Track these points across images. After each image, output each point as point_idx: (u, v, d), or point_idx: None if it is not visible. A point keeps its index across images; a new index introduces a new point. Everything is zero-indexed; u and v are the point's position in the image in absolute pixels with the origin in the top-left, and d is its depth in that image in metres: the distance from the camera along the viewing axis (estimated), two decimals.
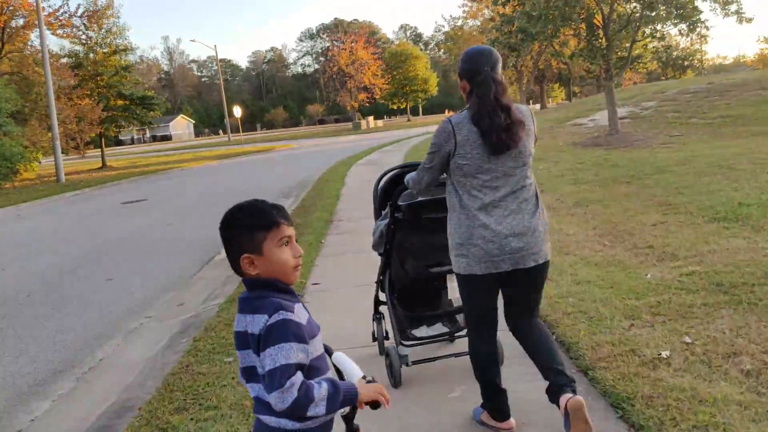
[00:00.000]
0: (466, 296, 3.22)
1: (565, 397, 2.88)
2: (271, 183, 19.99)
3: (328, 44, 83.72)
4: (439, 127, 3.11)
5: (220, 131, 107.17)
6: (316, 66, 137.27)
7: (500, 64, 3.11)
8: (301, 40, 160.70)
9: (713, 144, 14.56)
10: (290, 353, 1.71)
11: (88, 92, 35.70)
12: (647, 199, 8.71)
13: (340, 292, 6.34)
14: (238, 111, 53.60)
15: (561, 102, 66.43)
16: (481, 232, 2.98)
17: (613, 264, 5.79)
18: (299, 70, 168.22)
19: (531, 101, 56.51)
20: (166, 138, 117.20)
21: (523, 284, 3.13)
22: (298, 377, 1.72)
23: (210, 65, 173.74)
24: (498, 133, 2.92)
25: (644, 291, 4.90)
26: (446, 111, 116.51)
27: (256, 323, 1.77)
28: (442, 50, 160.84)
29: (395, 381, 3.87)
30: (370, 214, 4.61)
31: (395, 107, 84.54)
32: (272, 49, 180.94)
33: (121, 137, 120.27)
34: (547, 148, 17.38)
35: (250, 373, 1.84)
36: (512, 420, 3.23)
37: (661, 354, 3.75)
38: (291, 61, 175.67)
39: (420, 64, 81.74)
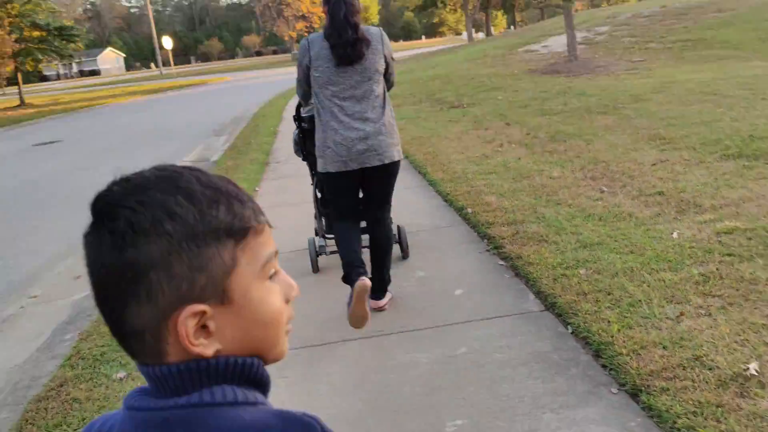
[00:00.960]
0: (328, 192, 3.94)
1: (360, 280, 3.40)
2: (203, 119, 18.22)
3: None
4: (299, 44, 3.67)
5: (152, 64, 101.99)
6: None
7: None
8: None
9: (682, 69, 13.51)
10: None
11: None
12: (633, 132, 7.55)
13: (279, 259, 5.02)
14: (168, 42, 50.39)
15: (504, 30, 64.85)
16: (333, 136, 3.50)
17: (621, 218, 4.59)
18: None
19: (475, 29, 54.81)
20: (95, 73, 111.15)
21: (371, 181, 3.66)
22: None
23: None
24: (345, 47, 3.40)
25: (678, 258, 3.72)
26: None
27: None
28: None
29: (312, 267, 4.59)
30: None
31: None
32: None
33: (45, 72, 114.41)
34: (502, 76, 16.10)
35: None
36: (366, 279, 3.47)
37: (747, 368, 2.57)
38: None
39: None
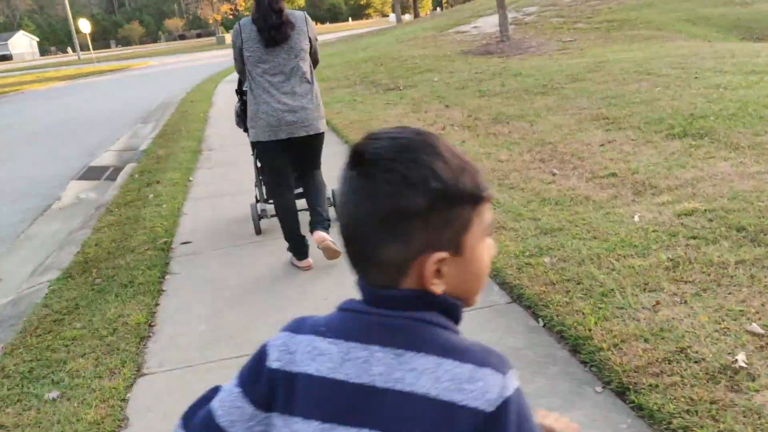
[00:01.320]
0: (262, 159, 4.34)
1: (317, 235, 3.98)
2: (128, 106, 17.44)
3: None
4: (233, 28, 4.12)
5: (69, 49, 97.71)
6: None
7: None
8: None
9: (611, 49, 13.66)
10: None
11: None
12: (575, 112, 7.50)
13: (218, 253, 4.71)
14: (86, 25, 48.14)
15: (430, 12, 64.88)
16: (264, 108, 3.87)
17: (578, 201, 4.48)
18: None
19: (402, 11, 54.69)
20: (6, 58, 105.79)
21: (299, 149, 4.04)
22: None
23: None
24: (270, 30, 3.77)
25: (644, 243, 3.61)
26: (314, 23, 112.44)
27: (481, 390, 0.81)
28: None
29: (255, 229, 4.96)
30: (244, 140, 5.03)
31: None
32: None
33: None
34: (434, 57, 15.96)
35: None
36: (310, 259, 4.15)
37: (735, 360, 2.45)
38: None
39: None
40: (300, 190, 4.37)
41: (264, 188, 5.01)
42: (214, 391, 0.97)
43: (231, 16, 73.01)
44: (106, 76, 35.42)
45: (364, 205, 0.85)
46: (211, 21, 76.96)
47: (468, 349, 0.85)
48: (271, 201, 4.67)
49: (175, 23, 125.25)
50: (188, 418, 0.98)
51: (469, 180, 0.86)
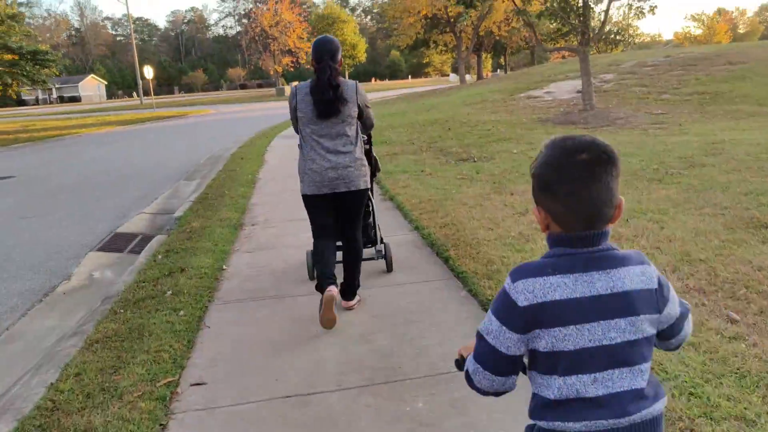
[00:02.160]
0: (308, 212, 4.52)
1: (345, 304, 4.57)
2: (176, 158, 16.43)
3: (251, 5, 77.94)
4: (291, 88, 4.68)
5: (134, 93, 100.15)
6: (239, 28, 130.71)
7: (339, 53, 4.22)
8: (222, 0, 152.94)
9: (717, 126, 12.02)
10: None
11: None
12: (715, 212, 5.85)
13: (245, 409, 3.20)
14: (149, 72, 48.68)
15: (491, 74, 63.93)
16: (310, 165, 4.25)
17: None
18: (221, 31, 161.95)
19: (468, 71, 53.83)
20: (75, 99, 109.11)
21: (342, 204, 4.38)
22: None
23: (125, 24, 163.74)
24: (324, 104, 4.16)
25: None
26: (373, 79, 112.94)
27: (649, 277, 1.49)
28: (370, 16, 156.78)
29: (309, 275, 5.26)
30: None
31: None
32: (192, 9, 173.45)
33: (24, 97, 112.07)
34: (508, 124, 14.54)
35: (648, 346, 1.48)
36: (333, 290, 4.13)
37: None
38: (212, 22, 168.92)
39: (348, 28, 77.77)
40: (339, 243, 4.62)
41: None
42: (482, 336, 1.51)
43: (291, 69, 73.77)
44: (163, 122, 35.13)
45: (600, 180, 1.42)
46: (271, 72, 77.81)
47: (629, 256, 1.48)
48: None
49: (237, 72, 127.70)
50: (474, 362, 1.55)
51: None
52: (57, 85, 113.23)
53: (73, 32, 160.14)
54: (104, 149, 20.90)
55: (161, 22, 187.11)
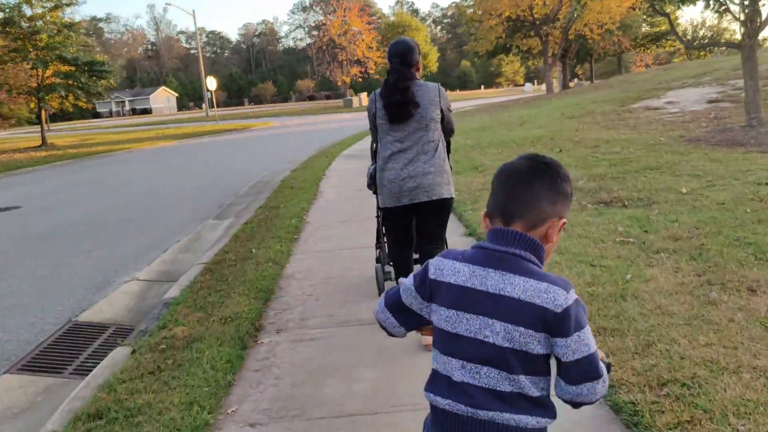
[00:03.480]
0: (386, 222, 4.33)
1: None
2: (217, 182, 13.51)
3: (321, 17, 75.22)
4: (369, 96, 4.23)
5: (204, 105, 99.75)
6: (309, 40, 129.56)
7: (413, 54, 3.88)
8: (293, 13, 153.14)
9: None
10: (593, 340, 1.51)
11: (21, 54, 28.96)
12: None
13: None
14: (212, 83, 46.67)
15: (577, 82, 59.38)
16: (388, 176, 3.92)
17: None
18: (291, 44, 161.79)
19: (537, 81, 49.60)
20: (146, 111, 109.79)
21: (422, 215, 4.00)
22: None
23: (200, 37, 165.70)
24: (392, 108, 3.86)
25: None
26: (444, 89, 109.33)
27: (552, 297, 1.46)
28: (440, 26, 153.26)
29: (379, 291, 4.76)
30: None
31: None
32: (263, 21, 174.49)
33: (99, 110, 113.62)
34: (643, 145, 10.95)
35: (519, 359, 1.49)
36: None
37: None
38: (282, 34, 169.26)
39: (419, 37, 74.57)
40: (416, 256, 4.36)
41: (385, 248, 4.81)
42: (397, 289, 1.71)
43: (360, 79, 71.04)
44: (223, 136, 32.74)
45: (542, 184, 1.55)
46: (340, 83, 75.34)
47: (546, 275, 1.48)
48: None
49: (306, 84, 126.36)
50: (385, 295, 1.75)
51: (571, 188, 1.61)
52: (129, 98, 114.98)
53: (149, 46, 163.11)
54: (146, 169, 18.28)
55: (233, 35, 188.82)
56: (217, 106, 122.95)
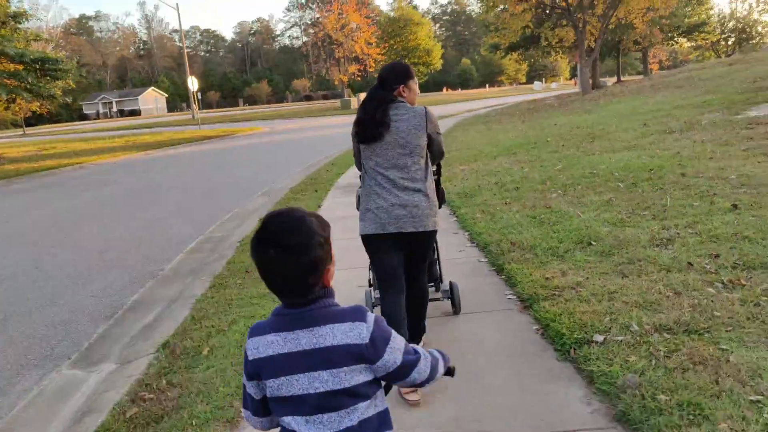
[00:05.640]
0: (369, 255, 3.90)
1: None
2: (140, 242, 8.43)
3: (318, 15, 69.71)
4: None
5: (195, 106, 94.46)
6: (306, 39, 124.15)
7: (394, 76, 3.75)
8: (289, 10, 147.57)
9: None
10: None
11: None
12: None
13: None
14: (193, 83, 41.58)
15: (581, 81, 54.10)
16: (375, 201, 3.70)
17: None
18: (287, 42, 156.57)
19: (546, 78, 44.37)
20: (135, 113, 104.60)
21: (407, 246, 3.77)
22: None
23: (193, 35, 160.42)
24: (359, 126, 3.72)
25: None
26: (444, 89, 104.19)
27: (358, 333, 1.66)
28: (440, 24, 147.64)
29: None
30: None
31: None
32: (259, 19, 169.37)
33: (85, 111, 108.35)
34: None
35: (351, 395, 1.68)
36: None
37: None
38: (278, 32, 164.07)
39: (422, 31, 69.56)
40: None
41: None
42: (244, 385, 1.76)
43: (358, 78, 65.71)
44: (200, 145, 27.82)
45: (288, 262, 1.62)
46: (337, 82, 70.07)
47: (342, 313, 1.66)
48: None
49: (302, 83, 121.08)
50: (243, 408, 1.82)
51: (325, 223, 1.70)
52: (117, 99, 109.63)
53: (141, 45, 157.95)
54: (63, 204, 13.20)
55: (228, 34, 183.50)
56: (211, 107, 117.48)
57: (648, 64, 51.20)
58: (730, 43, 55.55)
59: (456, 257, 6.05)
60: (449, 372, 1.87)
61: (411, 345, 1.76)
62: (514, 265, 5.37)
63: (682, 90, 18.35)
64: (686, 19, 43.32)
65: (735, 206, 6.16)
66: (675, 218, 6.09)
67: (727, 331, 3.65)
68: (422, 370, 1.75)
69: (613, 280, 4.68)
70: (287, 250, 1.57)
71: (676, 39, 48.72)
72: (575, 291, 4.55)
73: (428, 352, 1.81)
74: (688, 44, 55.70)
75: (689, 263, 4.79)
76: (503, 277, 5.32)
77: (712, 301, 4.07)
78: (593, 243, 5.64)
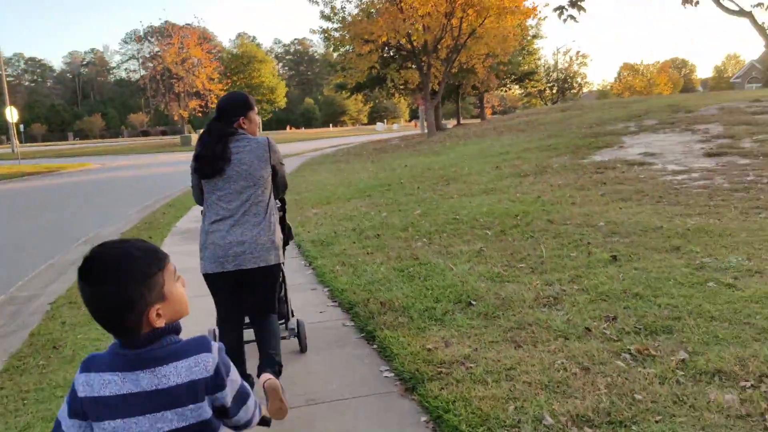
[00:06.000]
0: (212, 294, 3.71)
1: (264, 376, 3.42)
2: None
3: (157, 49, 66.28)
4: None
5: (15, 139, 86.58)
6: (144, 72, 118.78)
7: (234, 107, 3.64)
8: (126, 42, 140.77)
9: None
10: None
11: None
12: None
13: None
14: (13, 114, 37.77)
15: (421, 124, 55.68)
16: (213, 238, 3.53)
17: None
18: (123, 75, 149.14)
19: (388, 120, 45.21)
20: None
21: (250, 284, 3.63)
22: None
23: (16, 63, 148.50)
24: (201, 164, 3.55)
25: None
26: (288, 127, 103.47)
27: (203, 366, 1.55)
28: (282, 63, 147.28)
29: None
30: None
31: None
32: (92, 50, 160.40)
33: None
34: (709, 233, 5.90)
35: (201, 429, 1.58)
36: (271, 378, 3.46)
37: None
38: (114, 65, 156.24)
39: (266, 69, 68.61)
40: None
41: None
42: (58, 423, 1.56)
43: (199, 114, 63.28)
44: (17, 183, 25.03)
45: (101, 299, 1.51)
46: (177, 118, 67.15)
47: (185, 349, 1.54)
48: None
49: (139, 118, 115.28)
50: None
51: (155, 257, 1.55)
52: None
53: None
54: None
55: (57, 64, 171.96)
56: (36, 141, 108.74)
57: (484, 108, 53.51)
58: (554, 91, 59.85)
59: (317, 321, 5.15)
60: (264, 422, 1.82)
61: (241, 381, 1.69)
62: (387, 331, 4.56)
63: (525, 133, 18.80)
64: (519, 67, 45.87)
65: (615, 257, 5.79)
66: (555, 272, 5.59)
67: (656, 421, 3.04)
68: (250, 406, 1.70)
69: (506, 352, 3.99)
70: (95, 286, 1.49)
71: (509, 85, 51.49)
72: (465, 367, 3.81)
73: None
74: (519, 91, 59.16)
75: (587, 329, 4.23)
76: (375, 346, 4.50)
77: (627, 379, 3.48)
78: (473, 303, 4.97)
